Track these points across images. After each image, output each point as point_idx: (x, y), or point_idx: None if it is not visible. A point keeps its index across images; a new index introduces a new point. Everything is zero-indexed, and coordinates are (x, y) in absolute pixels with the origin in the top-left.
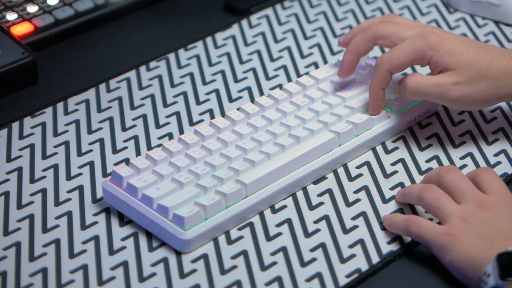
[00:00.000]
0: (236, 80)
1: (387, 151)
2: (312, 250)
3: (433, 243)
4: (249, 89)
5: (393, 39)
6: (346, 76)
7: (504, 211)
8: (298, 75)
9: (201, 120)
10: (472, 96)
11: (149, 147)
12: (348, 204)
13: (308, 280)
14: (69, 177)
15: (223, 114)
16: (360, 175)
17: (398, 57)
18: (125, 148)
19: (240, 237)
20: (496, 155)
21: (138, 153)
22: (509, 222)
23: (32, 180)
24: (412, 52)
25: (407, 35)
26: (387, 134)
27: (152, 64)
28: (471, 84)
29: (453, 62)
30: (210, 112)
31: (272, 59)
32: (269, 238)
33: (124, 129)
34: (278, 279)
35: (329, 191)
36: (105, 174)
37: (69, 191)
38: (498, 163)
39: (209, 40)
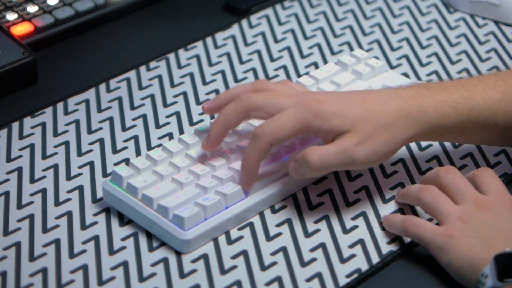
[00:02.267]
0: (236, 80)
1: None
2: (312, 250)
3: (431, 244)
4: None
5: (269, 110)
6: (212, 148)
7: (503, 211)
8: (298, 75)
9: (201, 120)
10: (377, 151)
11: (149, 147)
12: (348, 204)
13: (308, 280)
14: (69, 177)
15: None
16: (360, 175)
17: (281, 129)
18: (125, 148)
19: (240, 237)
20: (496, 155)
21: (138, 153)
22: (507, 222)
23: (32, 180)
24: (296, 124)
25: (284, 104)
26: None
27: (152, 64)
28: (372, 139)
29: (344, 124)
30: None
31: (272, 59)
32: (269, 238)
33: (124, 129)
34: (278, 279)
35: (329, 191)
36: (105, 174)
37: (69, 191)
38: (498, 163)
39: (209, 40)
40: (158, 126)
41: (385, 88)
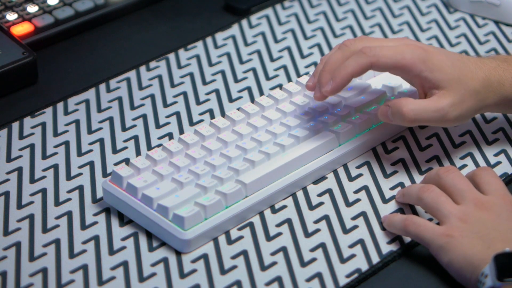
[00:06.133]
0: (236, 80)
1: (387, 151)
2: (312, 250)
3: (431, 244)
4: (249, 89)
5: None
6: (326, 97)
7: (502, 211)
8: (298, 75)
9: (201, 120)
10: (464, 114)
11: (149, 147)
12: (348, 204)
13: (308, 280)
14: (69, 177)
15: (223, 114)
16: (360, 175)
17: (388, 57)
18: (125, 148)
19: (240, 237)
20: (496, 155)
21: (138, 153)
22: (507, 222)
23: (32, 180)
24: (402, 59)
25: (391, 44)
26: (387, 134)
27: (152, 64)
28: (462, 103)
29: (443, 80)
30: (210, 112)
31: (272, 59)
32: (269, 238)
33: (124, 129)
34: (278, 279)
35: (329, 191)
36: (105, 174)
37: (69, 191)
38: (498, 163)
39: (209, 40)
40: (158, 126)
41: (469, 56)
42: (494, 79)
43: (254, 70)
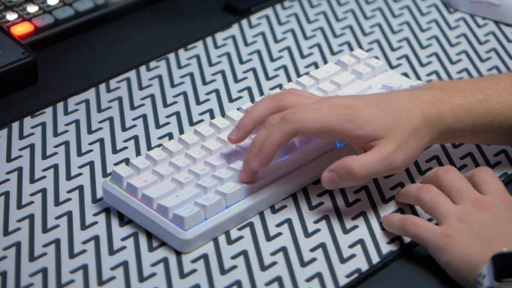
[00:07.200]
0: (236, 80)
1: None
2: (312, 250)
3: (430, 244)
4: (249, 89)
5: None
6: (239, 141)
7: (501, 212)
8: (298, 75)
9: (201, 120)
10: (410, 155)
11: (149, 147)
12: (348, 204)
13: (308, 280)
14: (69, 177)
15: (223, 114)
16: None
17: (313, 121)
18: (125, 148)
19: (240, 237)
20: (496, 155)
21: (138, 153)
22: (506, 223)
23: (32, 180)
24: (327, 123)
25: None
26: None
27: (152, 64)
28: (406, 144)
29: (377, 131)
30: (210, 112)
31: (272, 59)
32: (269, 238)
33: (124, 129)
34: (278, 279)
35: (329, 191)
36: (105, 174)
37: (69, 191)
38: (498, 163)
39: (209, 40)
40: (158, 126)
41: (403, 91)
42: (432, 112)
43: (254, 70)
